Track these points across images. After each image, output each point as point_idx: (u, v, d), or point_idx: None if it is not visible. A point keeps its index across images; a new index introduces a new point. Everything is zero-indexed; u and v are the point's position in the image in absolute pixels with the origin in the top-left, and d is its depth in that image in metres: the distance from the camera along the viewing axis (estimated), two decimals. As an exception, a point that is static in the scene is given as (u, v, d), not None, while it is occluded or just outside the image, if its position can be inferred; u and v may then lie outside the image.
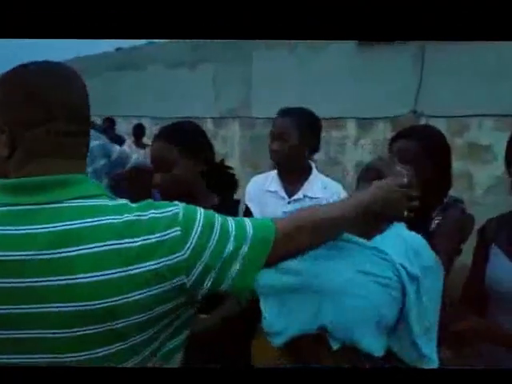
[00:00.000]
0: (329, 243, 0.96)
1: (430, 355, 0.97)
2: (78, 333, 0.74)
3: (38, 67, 0.81)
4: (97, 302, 0.74)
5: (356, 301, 0.94)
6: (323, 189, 1.87)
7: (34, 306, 0.73)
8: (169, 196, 1.39)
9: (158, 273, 0.76)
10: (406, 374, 0.86)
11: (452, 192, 1.50)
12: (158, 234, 0.77)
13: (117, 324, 0.75)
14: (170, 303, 0.79)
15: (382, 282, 0.95)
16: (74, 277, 0.73)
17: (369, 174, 1.12)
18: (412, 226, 1.10)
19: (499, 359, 1.25)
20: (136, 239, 0.76)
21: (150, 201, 0.84)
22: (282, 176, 1.93)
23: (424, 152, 1.37)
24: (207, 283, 0.81)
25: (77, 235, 0.75)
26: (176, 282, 0.78)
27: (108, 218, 0.77)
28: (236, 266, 0.82)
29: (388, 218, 1.03)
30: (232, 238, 0.83)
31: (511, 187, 1.26)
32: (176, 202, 0.84)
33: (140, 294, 0.76)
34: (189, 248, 0.79)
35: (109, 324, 0.75)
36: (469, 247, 1.42)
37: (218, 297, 1.27)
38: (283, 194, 1.90)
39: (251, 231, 0.85)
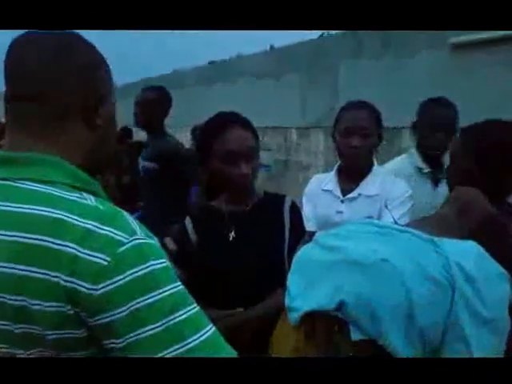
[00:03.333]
0: (380, 230, 0.88)
1: None
2: (2, 326, 0.69)
3: (21, 35, 0.78)
4: (13, 297, 0.67)
5: (386, 280, 0.79)
6: (381, 187, 1.77)
7: None
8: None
9: (59, 288, 0.65)
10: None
11: None
12: (84, 251, 0.65)
13: (31, 328, 0.68)
14: (76, 330, 0.67)
15: (427, 275, 0.79)
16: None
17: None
18: None
19: None
20: (60, 242, 0.65)
21: (123, 215, 0.71)
22: (343, 174, 1.85)
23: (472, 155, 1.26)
24: (109, 345, 0.66)
25: (8, 219, 0.68)
26: (75, 312, 0.66)
27: (50, 210, 0.68)
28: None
29: None
30: (171, 323, 0.65)
31: None
32: (150, 235, 0.71)
33: (43, 305, 0.66)
34: (103, 288, 0.64)
35: (22, 326, 0.68)
36: None
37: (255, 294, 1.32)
38: (338, 192, 1.83)
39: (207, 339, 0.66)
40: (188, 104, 7.77)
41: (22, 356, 0.71)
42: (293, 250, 1.32)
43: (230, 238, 1.43)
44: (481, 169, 1.25)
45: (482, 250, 0.87)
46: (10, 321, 0.69)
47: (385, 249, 0.83)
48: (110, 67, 0.85)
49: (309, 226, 1.66)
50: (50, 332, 0.68)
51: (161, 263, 0.68)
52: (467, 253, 0.85)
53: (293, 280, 0.92)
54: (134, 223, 0.71)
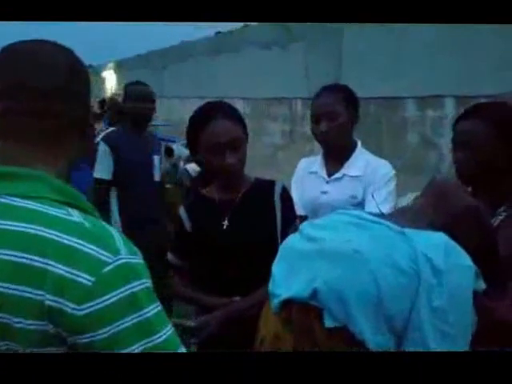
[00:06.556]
0: (355, 220, 0.91)
1: None
2: None
3: (9, 45, 0.76)
4: None
5: (356, 269, 0.83)
6: (365, 167, 1.81)
7: None
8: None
9: (42, 307, 0.65)
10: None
11: None
12: (68, 269, 0.65)
13: (14, 346, 0.67)
14: (57, 347, 0.67)
15: (395, 265, 0.83)
16: None
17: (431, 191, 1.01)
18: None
19: None
20: (44, 260, 0.65)
21: (108, 231, 0.71)
22: (327, 156, 1.89)
23: (493, 133, 1.20)
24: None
25: None
26: (56, 331, 0.66)
27: (34, 227, 0.67)
28: None
29: None
30: (150, 344, 0.66)
31: None
32: (134, 251, 0.71)
33: (25, 323, 0.66)
34: (86, 309, 0.64)
35: (7, 343, 0.67)
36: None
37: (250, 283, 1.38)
38: (323, 173, 1.88)
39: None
40: (194, 75, 7.72)
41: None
42: (285, 236, 1.34)
43: (224, 227, 1.49)
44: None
45: (451, 242, 0.87)
46: None
47: (358, 239, 0.87)
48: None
49: (298, 209, 1.71)
50: (31, 349, 0.67)
51: (143, 283, 0.69)
52: (436, 245, 0.86)
53: (278, 267, 0.95)
54: (120, 240, 0.71)
